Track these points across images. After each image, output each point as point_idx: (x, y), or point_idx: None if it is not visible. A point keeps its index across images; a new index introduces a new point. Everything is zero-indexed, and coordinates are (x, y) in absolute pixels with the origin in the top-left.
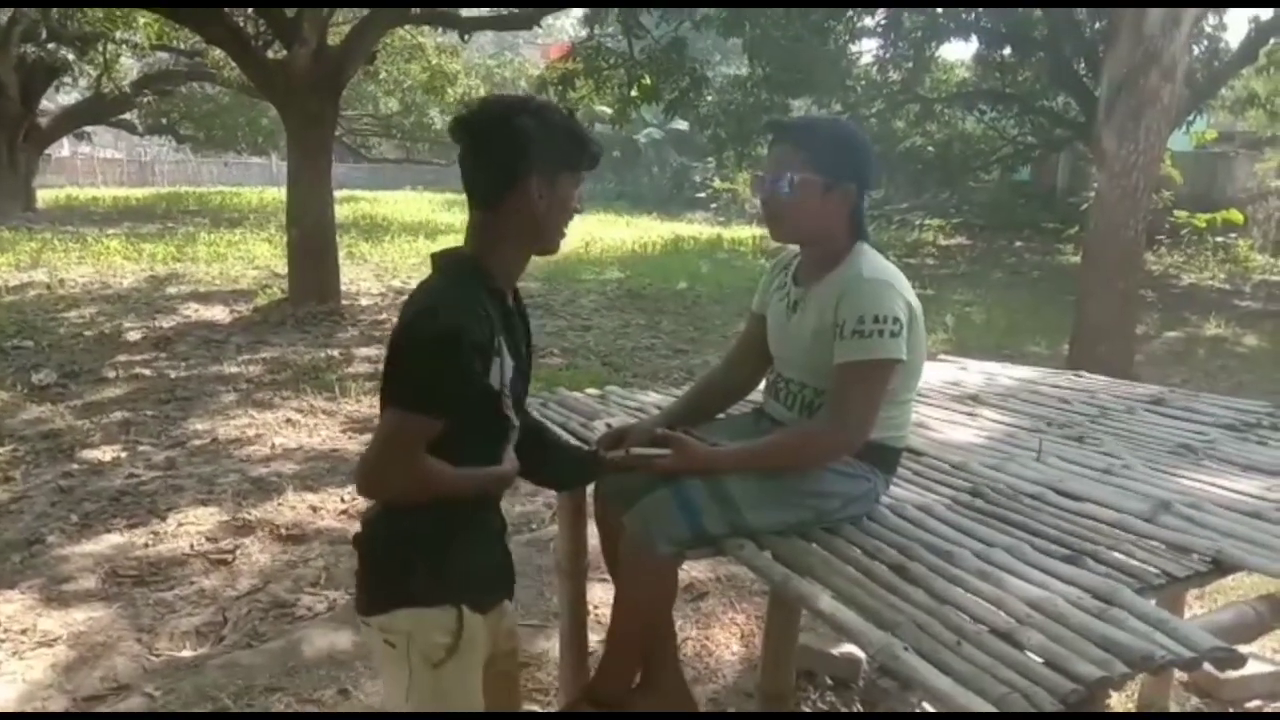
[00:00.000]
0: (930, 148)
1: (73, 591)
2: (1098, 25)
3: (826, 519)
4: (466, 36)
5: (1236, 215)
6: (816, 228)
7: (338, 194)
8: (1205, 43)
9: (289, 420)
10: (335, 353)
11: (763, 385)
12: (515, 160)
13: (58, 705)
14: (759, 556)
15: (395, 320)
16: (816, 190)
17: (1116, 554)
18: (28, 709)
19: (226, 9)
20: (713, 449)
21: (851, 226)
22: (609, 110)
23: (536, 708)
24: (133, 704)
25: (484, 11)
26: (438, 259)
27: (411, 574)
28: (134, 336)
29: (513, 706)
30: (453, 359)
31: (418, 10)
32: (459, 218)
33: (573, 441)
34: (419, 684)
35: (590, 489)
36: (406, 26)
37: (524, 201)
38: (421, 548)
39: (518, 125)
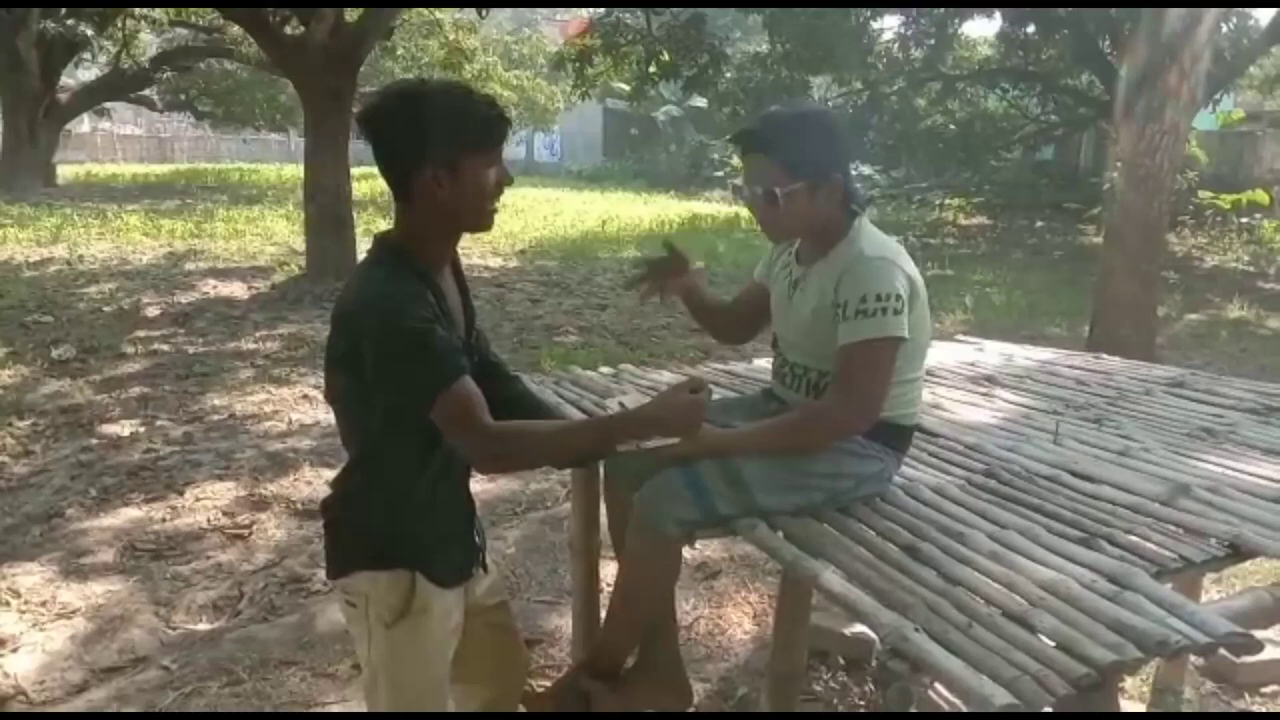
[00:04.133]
0: (952, 126)
1: (91, 565)
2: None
3: (839, 499)
4: (484, 12)
5: (1263, 196)
6: (812, 223)
7: (355, 170)
8: (1233, 20)
9: (306, 396)
10: None
11: (770, 367)
12: (406, 155)
13: (76, 677)
14: (771, 537)
15: None
16: (805, 196)
17: (1132, 537)
18: (47, 680)
19: None
20: (722, 431)
21: (846, 207)
22: (627, 87)
23: (549, 684)
24: (149, 676)
25: None
26: (375, 242)
27: (369, 538)
28: (153, 312)
29: (512, 651)
30: (421, 324)
31: None
32: None
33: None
34: (376, 643)
35: (600, 468)
36: None
37: (426, 192)
38: (379, 514)
39: (404, 119)
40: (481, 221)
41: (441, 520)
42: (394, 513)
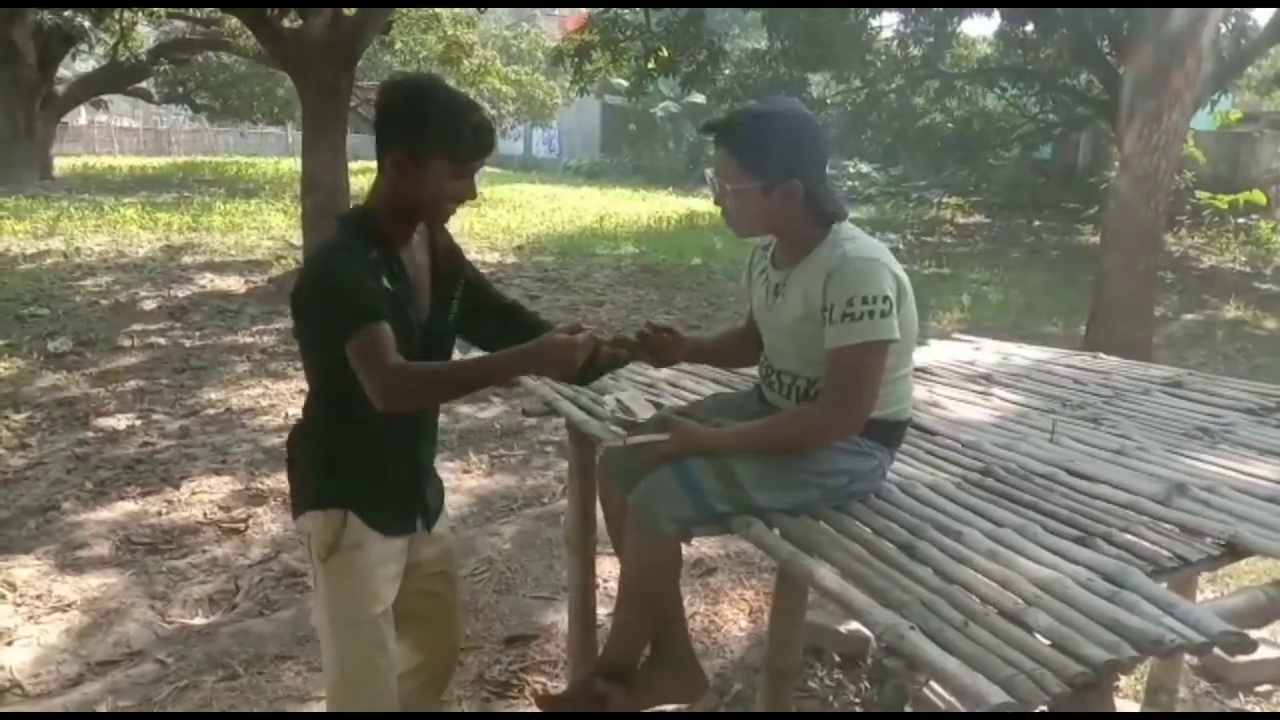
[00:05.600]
0: (950, 125)
1: (87, 558)
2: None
3: (834, 496)
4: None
5: (1260, 196)
6: (770, 225)
7: (353, 164)
8: (1232, 21)
9: (302, 390)
10: None
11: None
12: (382, 134)
13: (71, 670)
14: (767, 534)
15: None
16: (756, 194)
17: (1128, 536)
18: (43, 673)
19: None
20: (712, 431)
21: (814, 213)
22: (625, 83)
23: (545, 680)
24: (145, 670)
25: None
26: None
27: (313, 479)
28: (149, 305)
29: (445, 626)
30: (349, 273)
31: None
32: None
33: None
34: (317, 577)
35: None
36: None
37: (392, 174)
38: (324, 459)
39: (404, 101)
40: (435, 218)
41: (383, 467)
42: (334, 453)
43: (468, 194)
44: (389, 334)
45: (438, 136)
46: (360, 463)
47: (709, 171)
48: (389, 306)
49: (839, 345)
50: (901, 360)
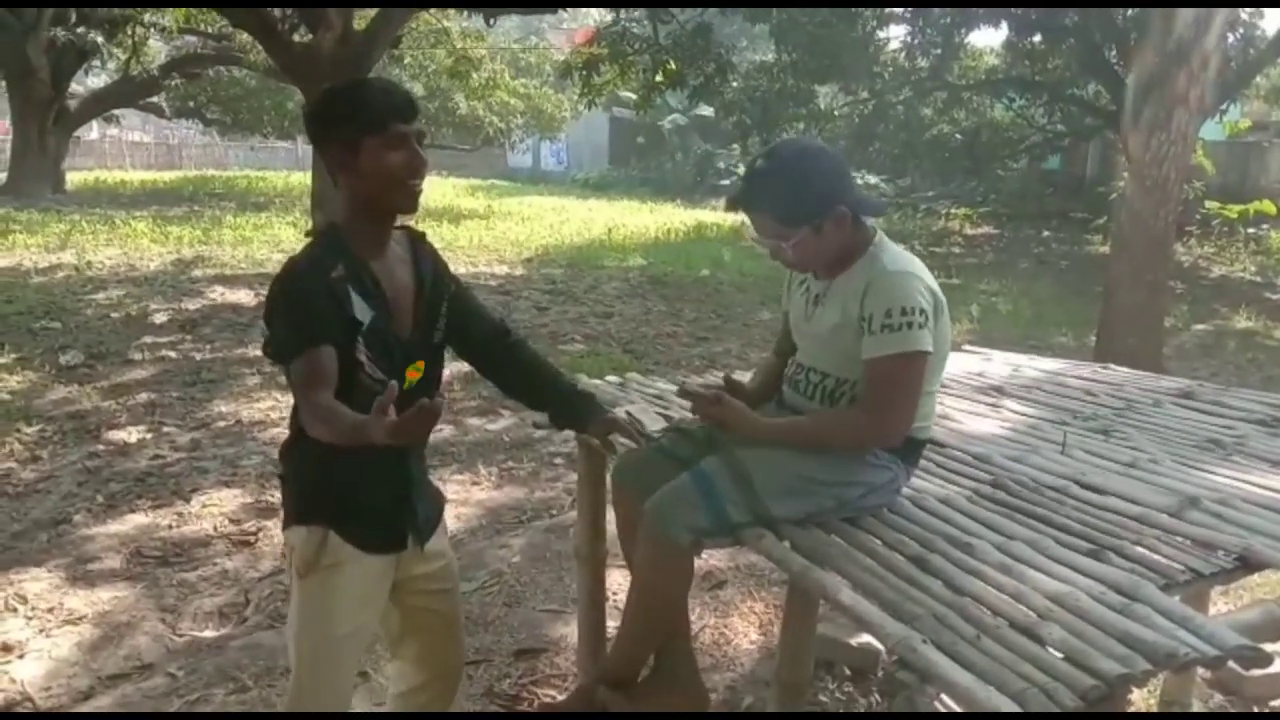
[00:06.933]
0: (958, 136)
1: (98, 571)
2: (1129, 13)
3: (848, 508)
4: (492, 21)
5: (1269, 206)
6: (834, 250)
7: None
8: (1240, 31)
9: None
10: None
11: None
12: (319, 148)
13: (83, 683)
14: (778, 547)
15: None
16: (810, 237)
17: (1141, 549)
18: (54, 687)
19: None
20: (756, 417)
21: (858, 227)
22: (633, 96)
23: (554, 693)
24: (156, 683)
25: None
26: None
27: (297, 495)
28: (160, 319)
29: (445, 642)
30: (299, 297)
31: None
32: (482, 203)
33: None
34: (294, 591)
35: (609, 474)
36: (432, 10)
37: (340, 178)
38: (307, 473)
39: (310, 113)
40: (396, 202)
41: (366, 483)
42: (314, 470)
43: (415, 162)
44: (325, 360)
45: (347, 115)
46: (342, 477)
47: (751, 233)
48: (339, 330)
49: (875, 355)
50: (929, 377)
